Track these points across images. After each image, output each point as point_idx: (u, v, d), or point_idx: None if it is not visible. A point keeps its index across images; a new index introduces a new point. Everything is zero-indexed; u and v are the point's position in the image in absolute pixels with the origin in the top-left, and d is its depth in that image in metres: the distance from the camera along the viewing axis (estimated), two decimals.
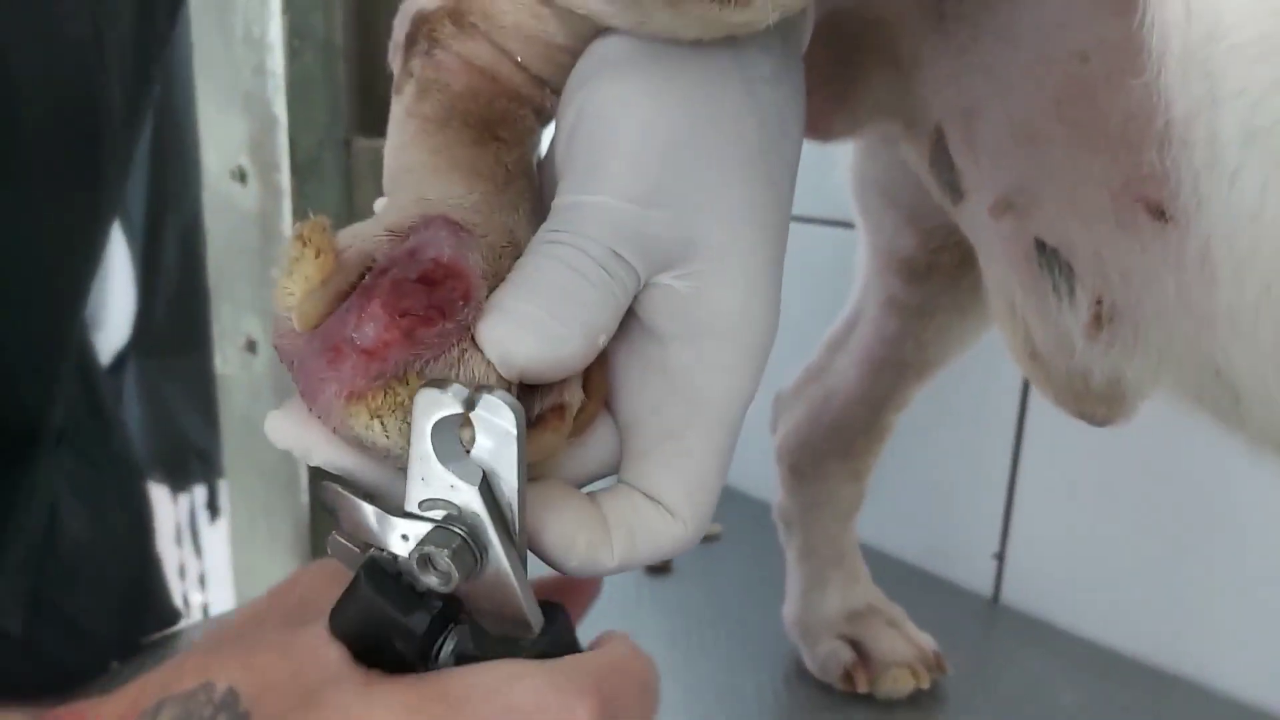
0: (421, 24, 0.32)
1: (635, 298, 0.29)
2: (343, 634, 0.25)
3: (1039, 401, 0.56)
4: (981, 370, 0.75)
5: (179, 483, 1.45)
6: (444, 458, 0.24)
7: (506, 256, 0.29)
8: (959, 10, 0.34)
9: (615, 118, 0.28)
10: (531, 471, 0.28)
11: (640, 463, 0.30)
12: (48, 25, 0.48)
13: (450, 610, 0.26)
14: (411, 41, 0.33)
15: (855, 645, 0.65)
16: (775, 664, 0.68)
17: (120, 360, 1.39)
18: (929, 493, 0.84)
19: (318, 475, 1.08)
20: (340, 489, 0.26)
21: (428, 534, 0.24)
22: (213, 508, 1.48)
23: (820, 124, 0.42)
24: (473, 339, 0.26)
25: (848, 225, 0.61)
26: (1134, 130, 0.29)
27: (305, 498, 1.09)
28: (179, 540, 1.51)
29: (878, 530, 0.84)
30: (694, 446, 0.29)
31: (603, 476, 0.32)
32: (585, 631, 0.74)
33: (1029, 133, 0.33)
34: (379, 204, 0.32)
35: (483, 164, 0.30)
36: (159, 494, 1.44)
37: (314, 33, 0.99)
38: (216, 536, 1.46)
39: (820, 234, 0.71)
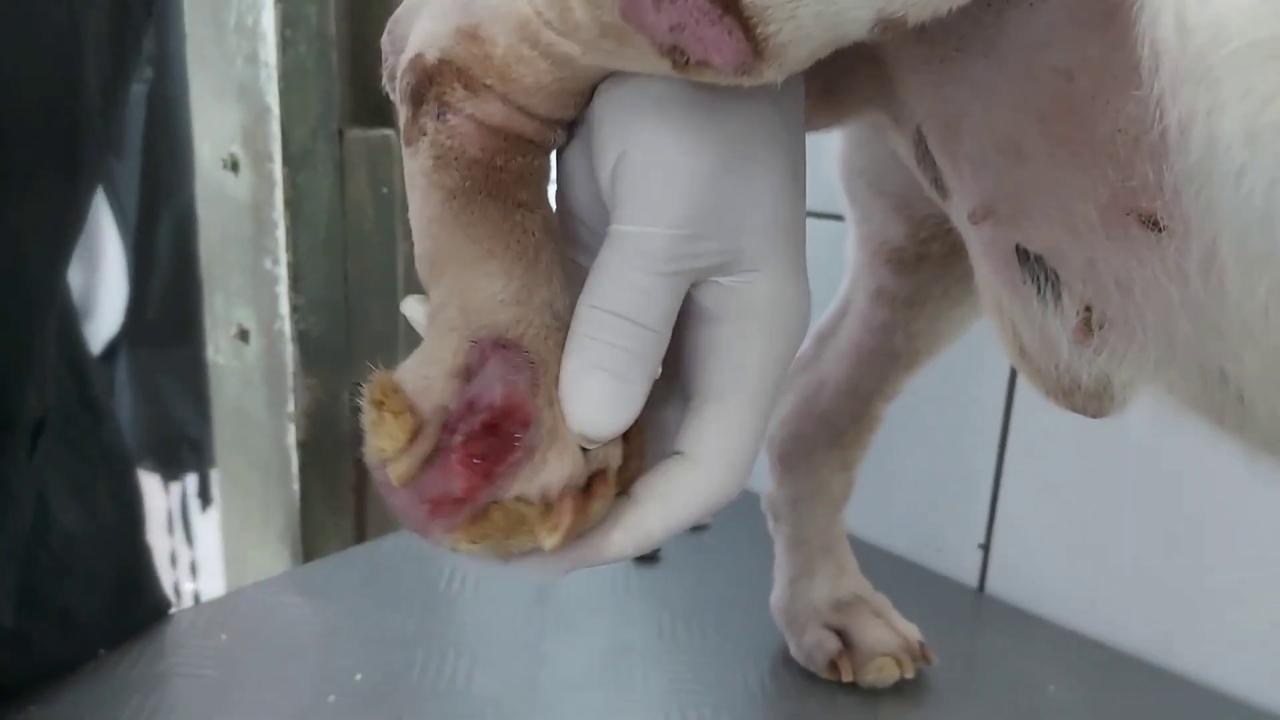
0: (427, 83, 0.33)
1: (692, 292, 0.32)
2: None
3: (1026, 393, 0.56)
4: (968, 361, 0.75)
5: (171, 471, 1.45)
6: None
7: (553, 333, 0.32)
8: (943, 22, 0.35)
9: (659, 154, 0.30)
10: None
11: (686, 427, 0.33)
12: (22, 12, 0.48)
13: None
14: (418, 99, 0.34)
15: (841, 635, 0.65)
16: (762, 653, 0.69)
17: (112, 349, 1.39)
18: (916, 484, 0.85)
19: (309, 468, 1.08)
20: None
21: None
22: (204, 496, 1.49)
23: (805, 115, 0.42)
24: (546, 449, 0.30)
25: (837, 218, 0.62)
26: (1122, 144, 0.29)
27: (296, 486, 1.09)
28: (170, 529, 1.51)
29: (865, 521, 0.84)
30: (734, 405, 0.32)
31: None
32: (579, 623, 0.75)
33: (1013, 146, 0.33)
34: (407, 306, 0.35)
35: (514, 240, 0.33)
36: (151, 483, 1.44)
37: (307, 23, 0.99)
38: (208, 525, 1.47)
39: (810, 226, 0.71)
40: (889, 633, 0.66)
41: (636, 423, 0.33)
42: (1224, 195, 0.26)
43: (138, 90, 1.26)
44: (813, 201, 0.35)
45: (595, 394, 0.31)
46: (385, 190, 1.01)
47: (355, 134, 1.02)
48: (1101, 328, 0.34)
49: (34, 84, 0.49)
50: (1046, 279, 0.35)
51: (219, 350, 1.12)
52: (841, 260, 0.63)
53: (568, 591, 0.75)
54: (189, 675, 0.62)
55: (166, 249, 1.33)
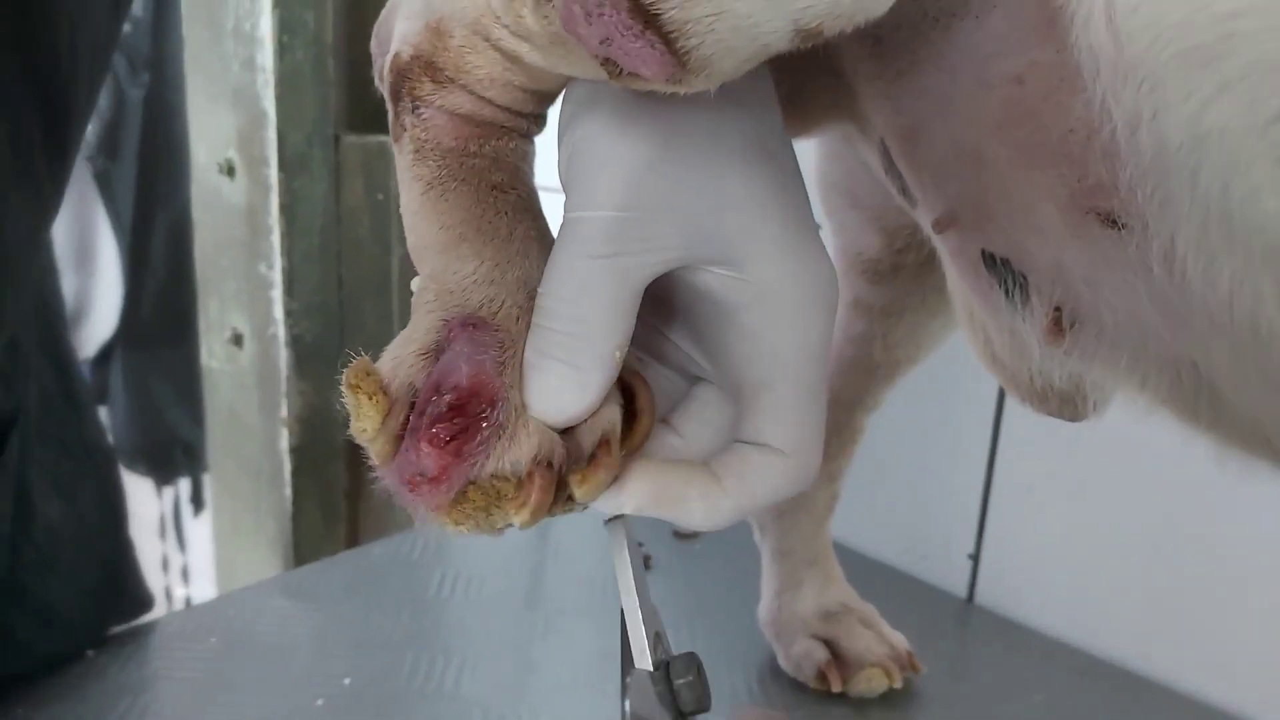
0: (403, 80, 0.35)
1: (698, 284, 0.33)
2: None
3: (1015, 404, 0.57)
4: (957, 371, 0.76)
5: (164, 476, 1.45)
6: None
7: (526, 312, 0.33)
8: (894, 36, 0.35)
9: (600, 142, 0.31)
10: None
11: (744, 419, 0.34)
12: None
13: None
14: (397, 96, 0.35)
15: (829, 644, 0.65)
16: (750, 662, 0.69)
17: (107, 352, 1.39)
18: (905, 493, 0.85)
19: (301, 473, 1.09)
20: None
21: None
22: (197, 501, 1.48)
23: None
24: (515, 425, 0.31)
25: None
26: (1075, 145, 0.30)
27: (288, 491, 1.09)
28: (163, 533, 1.51)
29: (853, 530, 0.84)
30: (783, 390, 0.33)
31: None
32: (568, 627, 0.75)
33: (971, 153, 0.34)
34: (415, 284, 0.36)
35: (485, 223, 0.34)
36: (143, 487, 1.44)
37: (304, 29, 1.00)
38: (200, 530, 1.46)
39: None
40: (878, 642, 0.66)
41: (641, 381, 0.34)
42: (1180, 193, 0.26)
43: (134, 94, 1.26)
44: None
45: (545, 382, 0.31)
46: (380, 196, 1.02)
47: (351, 140, 1.02)
48: (1072, 326, 0.35)
49: (18, 54, 0.50)
50: (1014, 282, 0.36)
51: (212, 354, 1.12)
52: None
53: (556, 596, 0.75)
54: (177, 678, 0.62)
55: (161, 253, 1.33)
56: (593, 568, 0.80)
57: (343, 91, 1.02)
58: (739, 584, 0.77)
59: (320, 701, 0.61)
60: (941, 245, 0.38)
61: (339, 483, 1.10)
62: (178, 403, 1.39)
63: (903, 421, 0.74)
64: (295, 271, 1.02)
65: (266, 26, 0.98)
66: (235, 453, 1.12)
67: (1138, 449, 0.70)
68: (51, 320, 0.64)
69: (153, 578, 0.71)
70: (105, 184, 1.32)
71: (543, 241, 0.35)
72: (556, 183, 0.34)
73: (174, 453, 1.43)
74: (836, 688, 0.64)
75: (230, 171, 1.04)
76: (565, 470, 0.32)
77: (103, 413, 1.39)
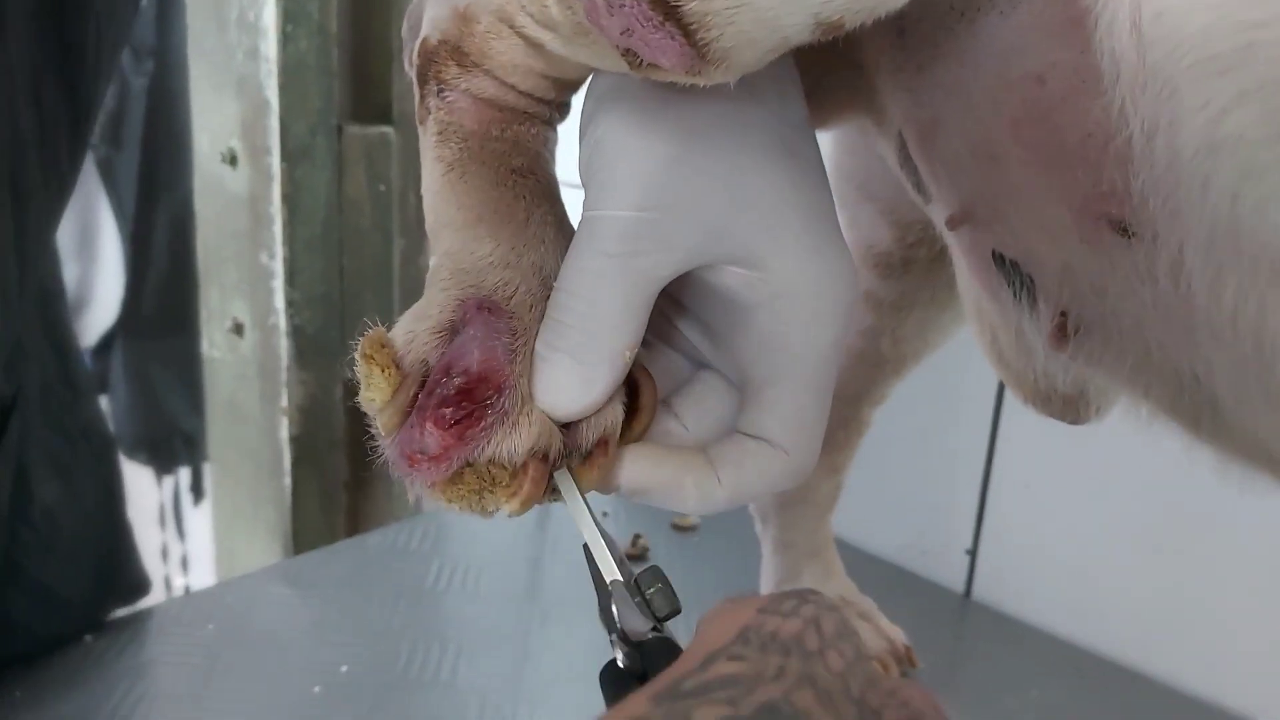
0: (429, 63, 0.35)
1: (713, 281, 0.33)
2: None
3: (1015, 401, 0.57)
4: (958, 368, 0.76)
5: (164, 465, 1.45)
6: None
7: (540, 300, 0.33)
8: (918, 28, 0.35)
9: (620, 140, 0.31)
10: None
11: (746, 411, 0.34)
12: None
13: None
14: (423, 79, 0.36)
15: None
16: None
17: (108, 340, 1.39)
18: (904, 489, 0.85)
19: (301, 462, 1.09)
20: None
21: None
22: (197, 491, 1.48)
23: None
24: (518, 414, 0.31)
25: None
26: (1092, 149, 0.30)
27: (288, 481, 1.09)
28: (163, 522, 1.51)
29: (853, 525, 0.84)
30: (789, 388, 0.33)
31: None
32: (565, 618, 0.75)
33: (988, 151, 0.33)
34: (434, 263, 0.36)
35: (504, 205, 0.34)
36: (144, 476, 1.44)
37: (308, 18, 1.00)
38: (200, 519, 1.47)
39: None
40: (875, 636, 0.66)
41: (648, 377, 0.34)
42: (1189, 204, 0.26)
43: (138, 83, 1.26)
44: None
45: (553, 375, 0.31)
46: (383, 187, 1.02)
47: (354, 130, 1.02)
48: (1077, 332, 0.34)
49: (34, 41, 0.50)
50: (1022, 284, 0.35)
51: (213, 344, 1.12)
52: None
53: (554, 587, 0.75)
54: (175, 664, 0.63)
55: (163, 242, 1.33)
56: None
57: (346, 82, 1.02)
58: (737, 576, 0.77)
59: (317, 689, 0.61)
60: (954, 242, 0.38)
61: (339, 473, 1.10)
62: (178, 392, 1.39)
63: (902, 418, 0.74)
64: (297, 261, 1.02)
65: (270, 16, 0.98)
66: (235, 442, 1.13)
67: (1136, 446, 0.70)
68: (53, 305, 0.64)
69: (152, 566, 0.72)
70: (108, 172, 1.32)
71: (560, 227, 0.35)
72: (577, 179, 0.34)
73: (174, 442, 1.43)
74: None
75: (233, 161, 1.04)
76: (561, 463, 0.32)
77: (103, 402, 1.39)
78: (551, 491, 0.32)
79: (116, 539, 0.67)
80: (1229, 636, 0.68)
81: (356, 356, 0.31)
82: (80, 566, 0.64)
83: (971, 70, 0.33)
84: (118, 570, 0.67)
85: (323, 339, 1.03)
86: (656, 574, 0.32)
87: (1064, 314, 0.35)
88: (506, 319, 0.32)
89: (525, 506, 0.31)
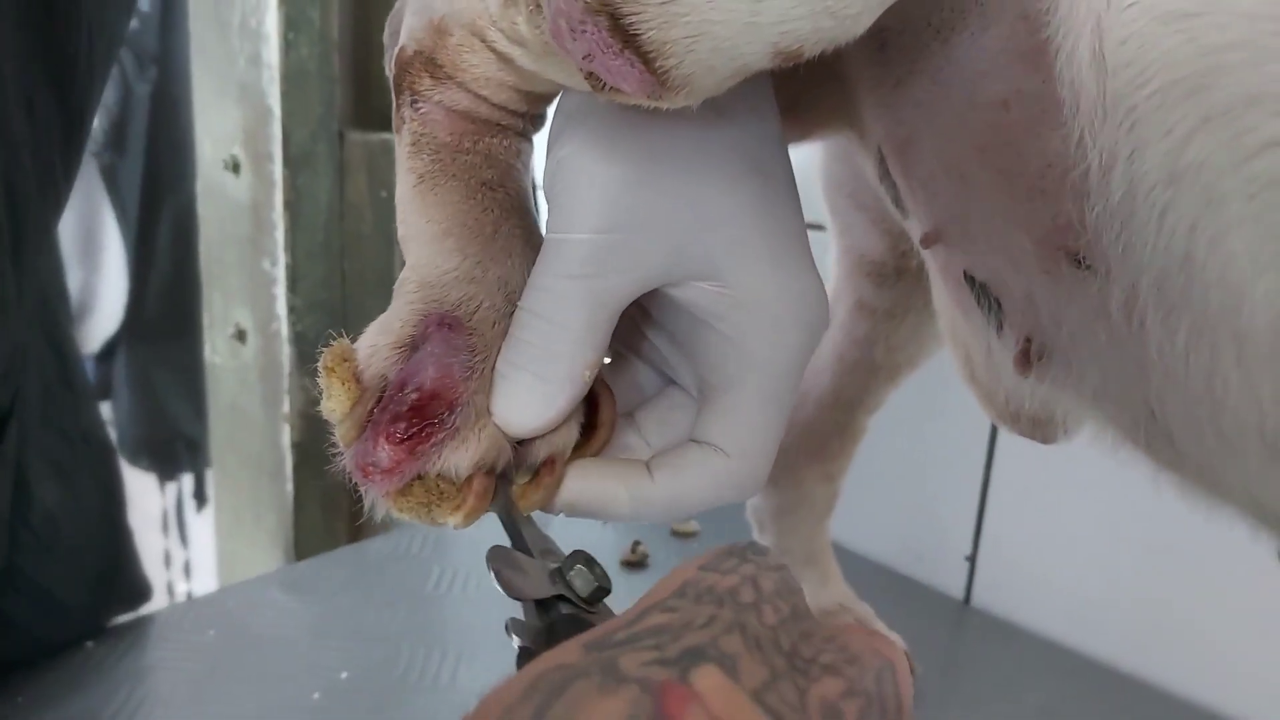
0: (404, 74, 0.35)
1: (678, 295, 0.33)
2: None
3: None
4: (955, 374, 0.76)
5: (167, 471, 1.46)
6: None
7: (503, 317, 0.33)
8: (898, 43, 0.35)
9: (583, 161, 0.32)
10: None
11: (698, 418, 0.34)
12: None
13: None
14: (399, 89, 0.36)
15: None
16: None
17: (111, 346, 1.39)
18: (902, 495, 0.85)
19: (303, 468, 1.09)
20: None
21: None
22: (200, 496, 1.49)
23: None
24: (468, 430, 0.32)
25: (820, 227, 0.62)
26: (1051, 180, 0.30)
27: (290, 487, 1.10)
28: (165, 528, 1.52)
29: (851, 531, 0.84)
30: (740, 396, 0.33)
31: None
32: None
33: (958, 172, 0.33)
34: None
35: (472, 219, 0.35)
36: (146, 482, 1.44)
37: (310, 25, 1.00)
38: (203, 526, 1.47)
39: None
40: None
41: (608, 394, 0.35)
42: (1144, 238, 0.26)
43: (141, 90, 1.27)
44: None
45: (513, 392, 0.32)
46: (384, 193, 1.02)
47: (355, 137, 1.03)
48: (1041, 359, 0.34)
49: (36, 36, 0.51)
50: (991, 307, 0.36)
51: (216, 350, 1.12)
52: (827, 270, 0.64)
53: None
54: (176, 669, 0.63)
55: (166, 248, 1.34)
56: None
57: (347, 88, 1.03)
58: None
59: (317, 694, 0.61)
60: (929, 259, 0.38)
61: (341, 478, 1.10)
62: (181, 398, 1.39)
63: (900, 424, 0.74)
64: (299, 267, 1.02)
65: (272, 23, 0.98)
66: (238, 448, 1.13)
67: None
68: (54, 310, 0.64)
69: (155, 572, 0.72)
70: (111, 179, 1.32)
71: (528, 240, 0.35)
72: None
73: (177, 448, 1.43)
74: None
75: (235, 167, 1.04)
76: (510, 479, 0.33)
77: (106, 407, 1.39)
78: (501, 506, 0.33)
79: (117, 544, 0.68)
80: (1226, 642, 0.68)
81: (319, 368, 0.31)
82: (81, 572, 0.64)
83: (944, 90, 0.33)
84: (118, 576, 0.67)
85: (324, 345, 1.03)
86: (578, 556, 0.32)
87: (1029, 339, 0.35)
88: (466, 336, 0.32)
89: (470, 519, 0.32)
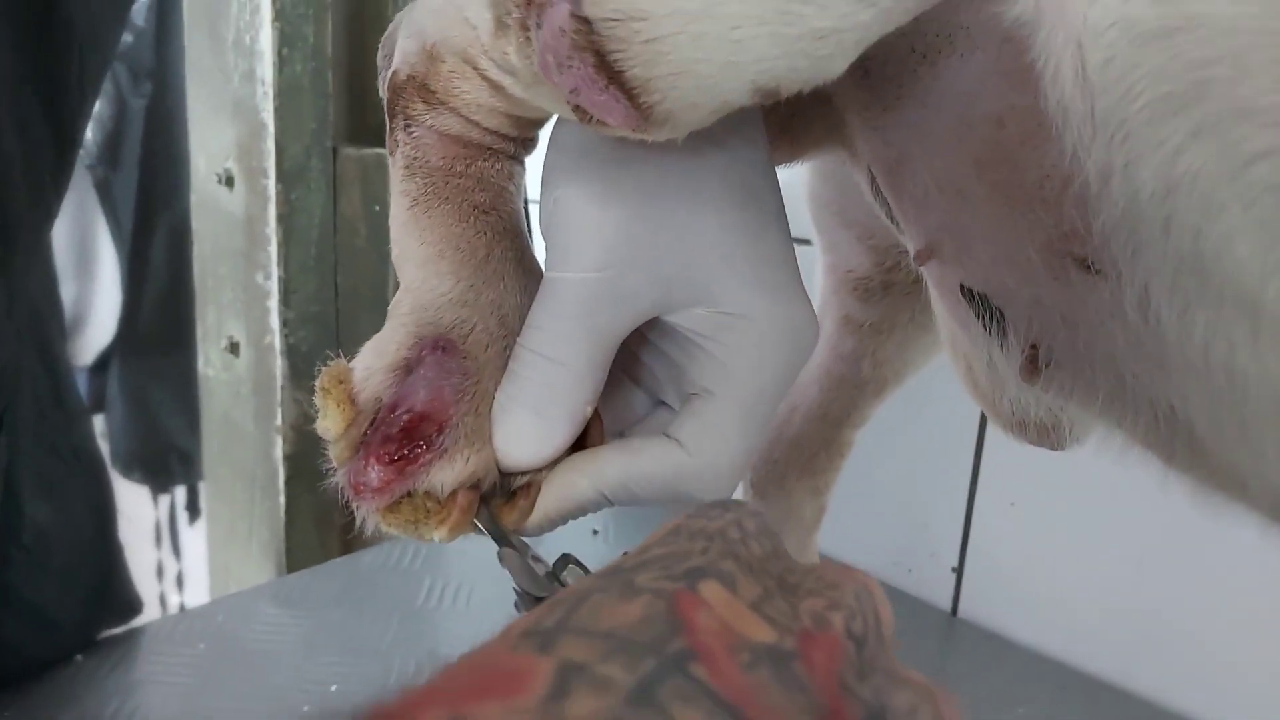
0: (398, 98, 0.36)
1: (670, 320, 0.33)
2: None
3: None
4: (943, 386, 0.76)
5: (160, 483, 1.45)
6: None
7: (496, 340, 0.34)
8: (882, 70, 0.35)
9: (578, 201, 0.33)
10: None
11: (675, 418, 0.35)
12: None
13: None
14: (392, 113, 0.37)
15: None
16: None
17: (104, 359, 1.39)
18: (889, 507, 0.86)
19: (295, 481, 1.09)
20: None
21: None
22: (192, 509, 1.49)
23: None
24: (456, 451, 0.33)
25: (807, 242, 0.63)
26: (1051, 191, 0.30)
27: (282, 499, 1.10)
28: (158, 541, 1.51)
29: (839, 543, 0.85)
30: (715, 402, 0.33)
31: None
32: None
33: (953, 189, 0.34)
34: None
35: (465, 242, 0.36)
36: (139, 494, 1.44)
37: (304, 42, 1.01)
38: (195, 537, 1.47)
39: None
40: None
41: (597, 418, 0.35)
42: (1152, 243, 0.27)
43: (136, 104, 1.27)
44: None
45: (514, 427, 0.33)
46: (377, 208, 1.03)
47: (349, 152, 1.03)
48: (1048, 365, 0.35)
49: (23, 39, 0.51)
50: (992, 317, 0.36)
51: (209, 362, 1.13)
52: (814, 285, 0.64)
53: None
54: (166, 683, 0.63)
55: (160, 261, 1.34)
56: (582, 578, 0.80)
57: (341, 104, 1.03)
58: None
59: (306, 708, 0.61)
60: (925, 273, 0.39)
61: (333, 491, 1.10)
62: (174, 410, 1.39)
63: (888, 436, 0.75)
64: (292, 281, 1.03)
65: (267, 39, 0.99)
66: (230, 461, 1.13)
67: (1121, 463, 0.70)
68: (46, 327, 0.64)
69: (147, 585, 0.72)
70: (106, 192, 1.33)
71: (521, 263, 0.36)
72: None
73: (170, 460, 1.43)
74: None
75: (229, 182, 1.05)
76: (493, 498, 0.34)
77: (100, 420, 1.39)
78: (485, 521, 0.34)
79: (108, 560, 0.68)
80: (1214, 653, 0.68)
81: (316, 387, 0.32)
82: (71, 587, 0.64)
83: (934, 111, 0.34)
84: (109, 591, 0.68)
85: (317, 358, 1.02)
86: (566, 559, 0.33)
87: (1034, 346, 0.35)
88: (459, 359, 0.33)
89: (453, 535, 0.33)
